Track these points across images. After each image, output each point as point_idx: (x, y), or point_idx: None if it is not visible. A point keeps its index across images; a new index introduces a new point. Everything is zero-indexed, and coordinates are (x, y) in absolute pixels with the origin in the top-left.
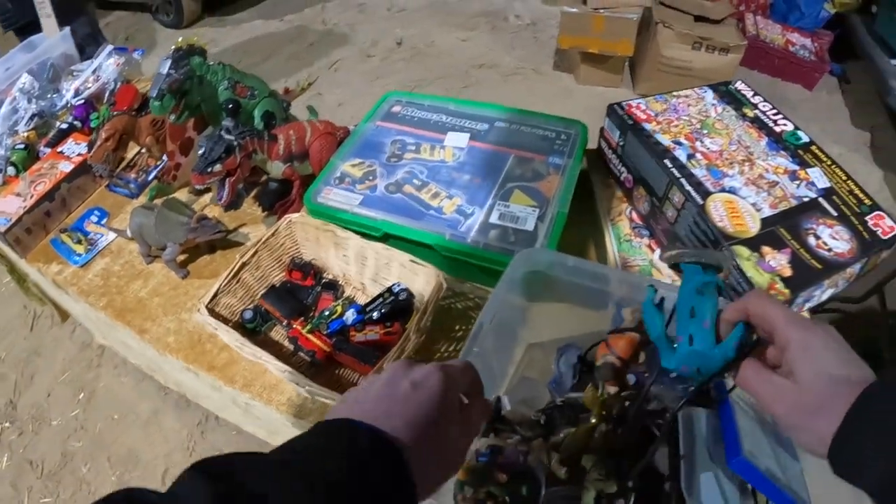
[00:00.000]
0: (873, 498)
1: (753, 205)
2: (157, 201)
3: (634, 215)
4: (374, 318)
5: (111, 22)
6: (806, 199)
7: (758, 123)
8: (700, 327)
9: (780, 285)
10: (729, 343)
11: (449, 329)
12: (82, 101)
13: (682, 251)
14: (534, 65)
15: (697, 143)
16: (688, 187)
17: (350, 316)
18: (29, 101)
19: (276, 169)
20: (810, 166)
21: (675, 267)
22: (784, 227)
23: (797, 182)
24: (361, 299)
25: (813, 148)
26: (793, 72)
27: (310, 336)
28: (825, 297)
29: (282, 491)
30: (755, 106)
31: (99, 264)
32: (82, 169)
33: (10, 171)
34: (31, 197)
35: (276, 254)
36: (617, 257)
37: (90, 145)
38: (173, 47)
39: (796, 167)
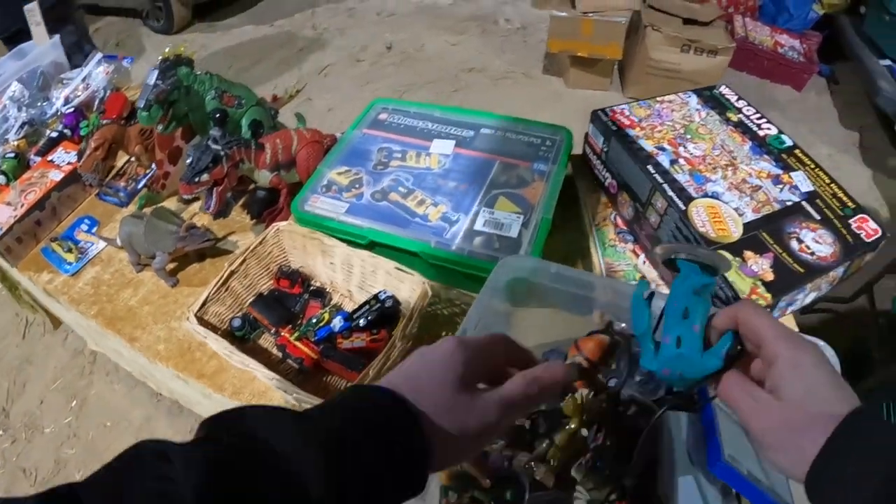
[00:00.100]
0: None
1: (736, 209)
2: (147, 210)
3: (619, 221)
4: (361, 325)
5: (101, 27)
6: (789, 203)
7: (741, 128)
8: (690, 330)
9: (761, 289)
10: (718, 351)
11: (436, 335)
12: (72, 109)
13: (680, 245)
14: (523, 69)
15: (681, 149)
16: (670, 193)
17: (337, 323)
18: (19, 110)
19: (264, 178)
20: (794, 170)
21: (669, 264)
22: (766, 231)
23: (780, 186)
24: (349, 306)
25: (797, 152)
26: (781, 73)
27: (297, 343)
28: (808, 300)
29: (280, 434)
30: (739, 110)
31: (89, 273)
32: (72, 178)
33: (1, 180)
34: (22, 206)
35: (263, 262)
36: (602, 262)
37: (80, 154)
38: (160, 58)
39: (780, 171)
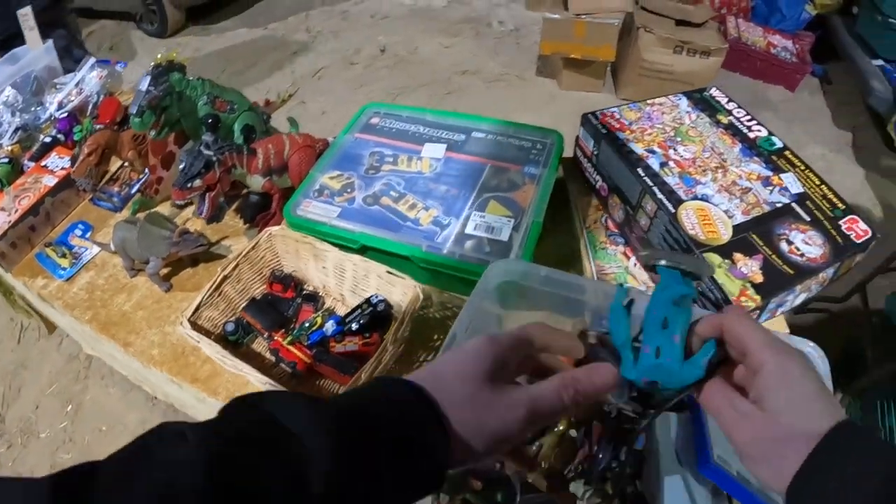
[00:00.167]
0: None
1: (726, 212)
2: (140, 215)
3: (610, 223)
4: (353, 329)
5: (95, 31)
6: (779, 205)
7: (732, 130)
8: (669, 340)
9: (751, 291)
10: (698, 360)
11: (427, 338)
12: (65, 114)
13: (662, 252)
14: (517, 71)
15: (671, 151)
16: (660, 196)
17: (330, 327)
18: (12, 115)
19: (256, 183)
20: (784, 172)
21: (651, 268)
22: (756, 233)
23: (770, 188)
24: (341, 310)
25: (787, 153)
26: (774, 74)
27: (290, 348)
28: (798, 301)
29: (294, 416)
30: (729, 112)
31: (84, 278)
32: (66, 183)
33: None
34: (16, 211)
35: (256, 266)
36: (592, 265)
37: (73, 160)
38: (152, 64)
39: (770, 173)
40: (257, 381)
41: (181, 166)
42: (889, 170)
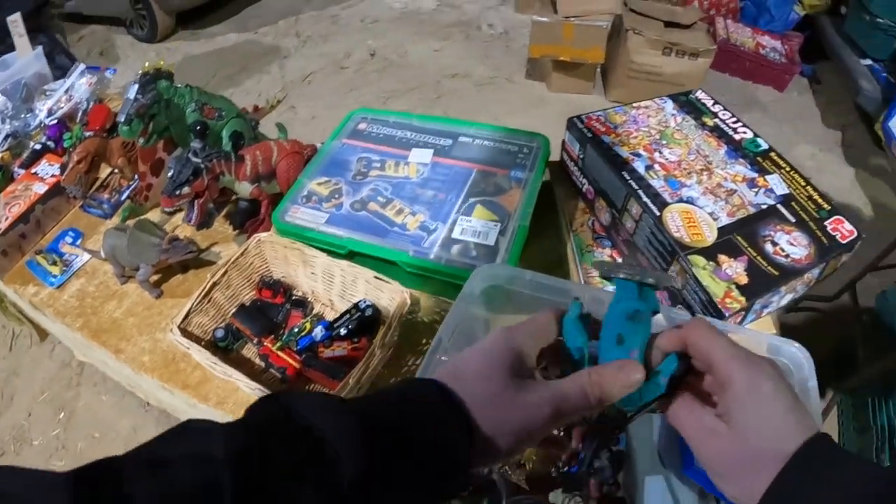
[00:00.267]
0: None
1: (711, 214)
2: (130, 222)
3: (597, 226)
4: (342, 334)
5: (85, 36)
6: (764, 207)
7: (717, 132)
8: (626, 356)
9: (735, 293)
10: (658, 378)
11: (416, 343)
12: (55, 121)
13: (617, 264)
14: (507, 74)
15: (656, 154)
16: (645, 199)
17: (319, 332)
18: (2, 122)
19: (244, 189)
20: (769, 173)
21: (609, 279)
22: (741, 234)
23: (756, 189)
24: (330, 315)
25: (772, 154)
26: (764, 74)
27: (280, 353)
28: (784, 302)
29: (316, 411)
30: (715, 115)
31: (74, 285)
32: (56, 190)
33: None
34: (6, 219)
35: (245, 273)
36: (579, 268)
37: (63, 167)
38: (140, 72)
39: (755, 175)
40: (247, 387)
41: (169, 174)
42: (878, 168)
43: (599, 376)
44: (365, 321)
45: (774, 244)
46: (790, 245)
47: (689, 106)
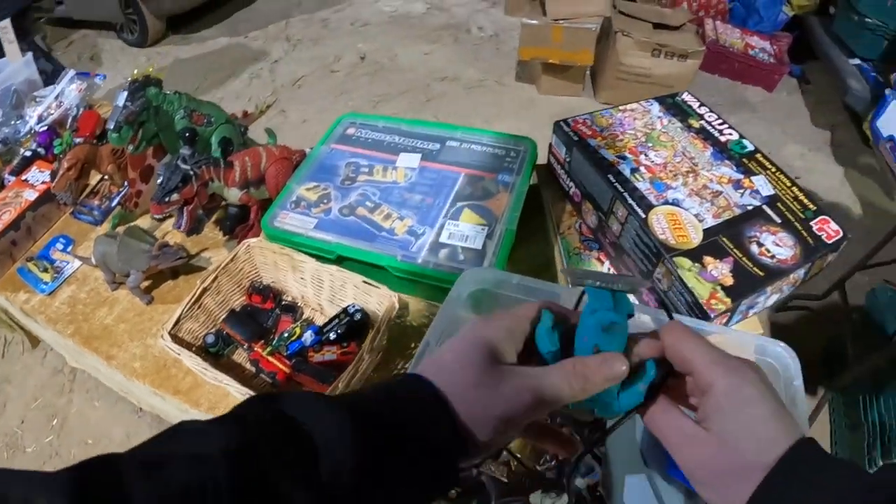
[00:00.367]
0: None
1: (696, 216)
2: (120, 229)
3: (584, 228)
4: (332, 338)
5: (75, 40)
6: (750, 208)
7: (703, 134)
8: None
9: (721, 294)
10: (637, 387)
11: (405, 346)
12: (45, 127)
13: (588, 272)
14: (496, 76)
15: (642, 157)
16: (630, 201)
17: (308, 337)
18: None
19: (233, 195)
20: (755, 174)
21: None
22: (727, 236)
23: (741, 191)
24: (320, 320)
25: (758, 156)
26: (753, 74)
27: (270, 358)
28: (770, 303)
29: (308, 407)
30: (701, 116)
31: (65, 292)
32: (46, 197)
33: None
34: None
35: (235, 278)
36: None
37: (53, 174)
38: (129, 79)
39: (741, 176)
40: (238, 393)
41: (159, 180)
42: (867, 167)
43: (584, 366)
44: (354, 325)
45: (760, 245)
46: (776, 246)
47: (675, 108)
